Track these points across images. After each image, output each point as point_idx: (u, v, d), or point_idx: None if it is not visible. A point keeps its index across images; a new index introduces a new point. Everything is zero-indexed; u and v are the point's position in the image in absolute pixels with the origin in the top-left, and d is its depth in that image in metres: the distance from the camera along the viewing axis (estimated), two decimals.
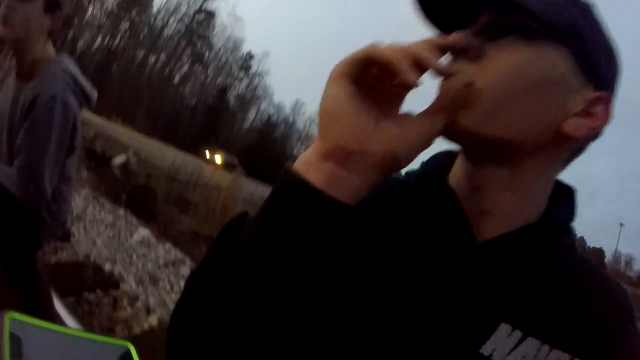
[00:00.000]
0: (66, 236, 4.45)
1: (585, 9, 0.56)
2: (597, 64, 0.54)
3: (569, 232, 0.60)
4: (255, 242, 0.45)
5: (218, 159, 32.92)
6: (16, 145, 1.66)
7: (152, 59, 44.84)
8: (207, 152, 33.10)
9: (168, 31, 47.59)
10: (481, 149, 0.55)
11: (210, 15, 50.44)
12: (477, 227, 0.57)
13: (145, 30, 45.30)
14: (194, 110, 44.86)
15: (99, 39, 39.33)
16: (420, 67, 0.45)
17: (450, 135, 0.54)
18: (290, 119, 56.65)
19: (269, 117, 53.83)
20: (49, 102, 1.63)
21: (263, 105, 55.68)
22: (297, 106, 56.82)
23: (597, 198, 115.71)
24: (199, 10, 49.29)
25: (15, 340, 0.84)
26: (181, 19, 48.59)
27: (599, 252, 73.07)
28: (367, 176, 0.47)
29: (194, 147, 30.66)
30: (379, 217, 0.61)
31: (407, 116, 0.49)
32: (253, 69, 55.48)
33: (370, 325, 0.54)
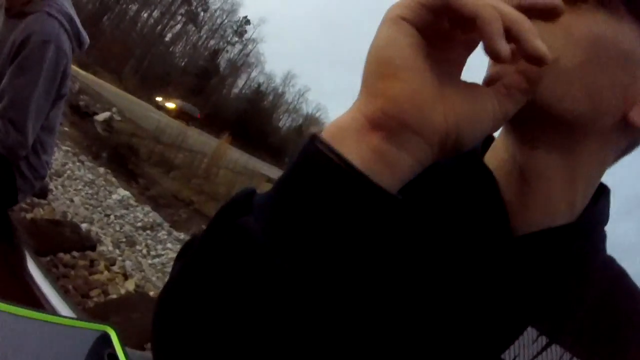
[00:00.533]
0: (43, 193, 4.34)
1: None
2: None
3: (604, 234, 0.56)
4: (272, 236, 0.34)
5: (171, 104, 29.75)
6: (1, 87, 1.54)
7: (144, 14, 43.58)
8: (158, 98, 30.02)
9: None
10: (539, 126, 0.49)
11: None
12: (515, 217, 0.51)
13: None
14: (183, 71, 43.91)
15: None
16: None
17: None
18: (280, 90, 56.12)
19: (259, 86, 53.06)
20: (41, 42, 1.51)
21: (254, 73, 54.95)
22: (287, 77, 56.10)
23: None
24: None
25: None
26: None
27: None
28: (420, 157, 0.36)
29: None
30: (408, 199, 0.51)
31: (479, 87, 0.39)
32: (248, 35, 54.40)
33: (391, 319, 0.48)
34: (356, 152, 0.33)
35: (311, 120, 57.10)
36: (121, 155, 10.15)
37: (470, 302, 0.49)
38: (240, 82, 54.07)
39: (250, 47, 54.86)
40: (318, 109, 59.35)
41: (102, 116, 12.01)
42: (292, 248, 0.34)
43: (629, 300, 0.53)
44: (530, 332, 0.48)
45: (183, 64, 47.08)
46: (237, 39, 54.15)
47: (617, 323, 0.51)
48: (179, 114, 27.87)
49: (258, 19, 54.56)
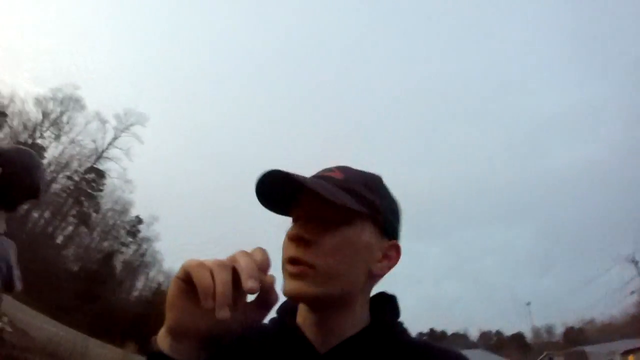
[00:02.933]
0: None
1: (379, 187, 0.87)
2: (388, 223, 0.85)
3: (397, 325, 0.86)
4: None
5: None
6: None
7: (36, 215, 40.74)
8: None
9: (56, 187, 44.16)
10: (322, 305, 0.81)
11: (101, 175, 48.67)
12: (321, 345, 0.81)
13: None
14: (76, 276, 40.04)
15: None
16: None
17: (297, 301, 0.82)
18: None
19: (159, 286, 49.43)
20: None
21: (152, 273, 52.21)
22: None
23: (498, 290, 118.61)
24: (90, 169, 47.57)
25: None
26: (70, 176, 46.20)
27: (519, 336, 75.44)
28: (196, 347, 0.66)
29: (75, 318, 26.29)
30: (251, 354, 0.83)
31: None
32: (141, 234, 52.82)
33: None
34: (164, 345, 0.66)
35: None
36: None
37: None
38: (140, 284, 50.83)
39: (145, 246, 53.15)
40: None
41: None
42: None
43: (435, 352, 0.82)
44: None
45: (76, 268, 43.60)
46: (130, 239, 52.34)
47: None
48: None
49: (150, 217, 53.40)
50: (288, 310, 0.88)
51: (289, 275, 0.79)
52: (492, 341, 78.07)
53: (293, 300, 0.81)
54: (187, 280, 0.63)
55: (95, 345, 15.10)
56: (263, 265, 0.64)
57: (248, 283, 0.60)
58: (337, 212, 0.78)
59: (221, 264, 0.61)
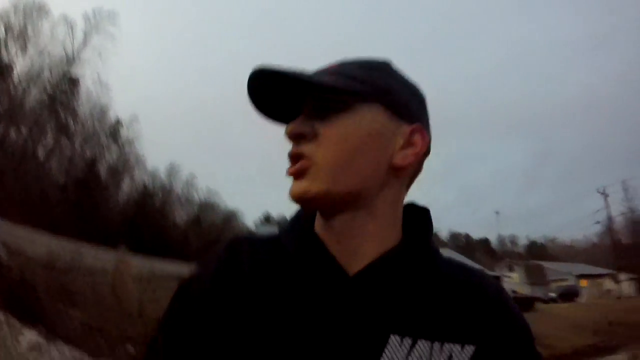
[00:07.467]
0: None
1: (383, 68, 0.73)
2: (405, 105, 0.71)
3: (429, 244, 0.73)
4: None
5: None
6: None
7: (12, 132, 40.42)
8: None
9: (29, 101, 43.31)
10: (333, 207, 0.69)
11: (74, 82, 47.38)
12: (347, 264, 0.68)
13: (5, 101, 41.00)
14: (63, 187, 41.14)
15: None
16: None
17: (304, 205, 0.69)
18: (168, 186, 54.17)
19: (145, 186, 50.48)
20: None
21: (137, 174, 52.68)
22: (171, 170, 54.51)
23: (476, 199, 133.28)
24: (63, 76, 46.24)
25: None
26: (44, 88, 44.77)
27: (485, 242, 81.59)
28: None
29: (68, 229, 27.79)
30: (268, 282, 0.69)
31: None
32: (123, 137, 52.69)
33: None
34: None
35: (206, 207, 55.39)
36: (17, 293, 9.35)
37: (336, 337, 0.64)
38: (126, 186, 51.81)
39: (127, 148, 52.97)
40: (210, 194, 57.32)
41: None
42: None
43: (470, 285, 0.71)
44: (393, 339, 0.63)
45: (62, 180, 44.37)
46: (112, 142, 51.84)
47: (467, 305, 0.68)
48: None
49: (129, 117, 52.19)
50: (304, 224, 0.74)
51: (291, 177, 0.68)
52: (461, 243, 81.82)
53: (300, 205, 0.69)
54: None
55: (89, 251, 16.31)
56: None
57: None
58: (334, 100, 0.67)
59: None
